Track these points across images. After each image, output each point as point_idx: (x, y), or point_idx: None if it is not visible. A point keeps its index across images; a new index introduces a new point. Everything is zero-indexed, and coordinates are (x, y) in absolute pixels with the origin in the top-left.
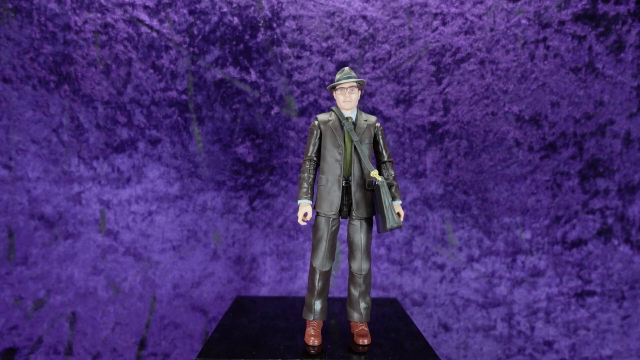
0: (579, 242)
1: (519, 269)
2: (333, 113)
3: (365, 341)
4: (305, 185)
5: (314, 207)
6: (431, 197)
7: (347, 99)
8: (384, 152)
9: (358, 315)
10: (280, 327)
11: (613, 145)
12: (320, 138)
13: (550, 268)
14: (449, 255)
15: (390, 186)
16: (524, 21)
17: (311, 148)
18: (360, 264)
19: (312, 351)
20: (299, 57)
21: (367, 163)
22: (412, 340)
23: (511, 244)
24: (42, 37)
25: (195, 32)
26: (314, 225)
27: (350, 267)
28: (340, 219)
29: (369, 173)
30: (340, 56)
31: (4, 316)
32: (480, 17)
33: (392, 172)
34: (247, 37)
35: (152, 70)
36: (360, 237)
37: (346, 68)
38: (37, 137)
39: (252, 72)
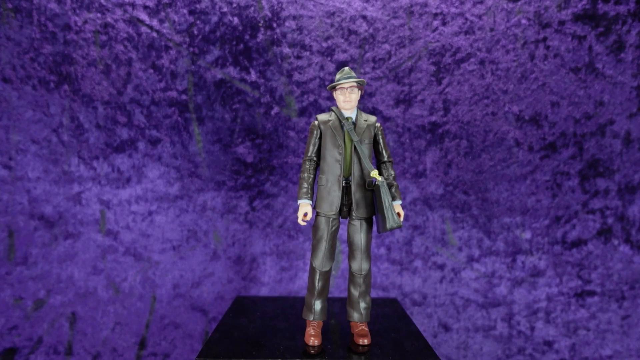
0: (579, 242)
1: (519, 269)
2: (333, 113)
3: (365, 341)
4: (305, 185)
5: (314, 207)
6: (431, 197)
7: (347, 99)
8: (384, 152)
9: (358, 315)
10: (280, 327)
11: (613, 145)
12: (320, 138)
13: (550, 268)
14: (449, 255)
15: (390, 186)
16: (524, 21)
17: (311, 148)
18: (360, 264)
19: (312, 351)
20: (299, 57)
21: (367, 163)
22: (412, 340)
23: (511, 244)
24: (42, 37)
25: (195, 32)
26: (314, 225)
27: (350, 267)
28: (340, 219)
29: (369, 173)
30: (340, 56)
31: (4, 316)
32: (480, 17)
33: (392, 172)
34: (247, 37)
35: (152, 70)
36: (360, 237)
37: (346, 68)
38: (37, 137)
39: (252, 72)
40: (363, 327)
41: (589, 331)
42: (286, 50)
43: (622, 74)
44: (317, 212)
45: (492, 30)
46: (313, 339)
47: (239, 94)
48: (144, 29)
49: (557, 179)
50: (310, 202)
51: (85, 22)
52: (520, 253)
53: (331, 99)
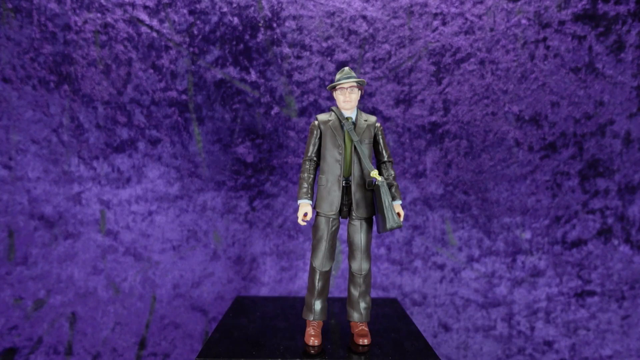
0: (579, 242)
1: (519, 269)
2: (333, 113)
3: (365, 341)
4: (305, 185)
5: (314, 207)
6: (431, 197)
7: (347, 99)
8: (384, 152)
9: (358, 315)
10: (280, 327)
11: (613, 145)
12: (320, 138)
13: (550, 268)
14: (449, 255)
15: (390, 186)
16: (524, 21)
17: (311, 148)
18: (360, 264)
19: (312, 351)
20: (299, 57)
21: (367, 163)
22: (412, 340)
23: (511, 244)
24: (42, 37)
25: (195, 32)
26: (314, 225)
27: (350, 267)
28: (340, 219)
29: (369, 173)
30: (340, 56)
31: (4, 316)
32: (480, 17)
33: (392, 172)
34: (247, 37)
35: (152, 70)
36: (360, 237)
37: (346, 68)
38: (37, 137)
39: (252, 72)
40: (363, 327)
41: (589, 331)
42: (286, 50)
43: (622, 74)
44: (317, 212)
45: (492, 30)
46: (313, 339)
47: (239, 94)
48: (144, 29)
49: (557, 179)
50: (310, 202)
51: (85, 22)
52: (520, 253)
53: (331, 99)
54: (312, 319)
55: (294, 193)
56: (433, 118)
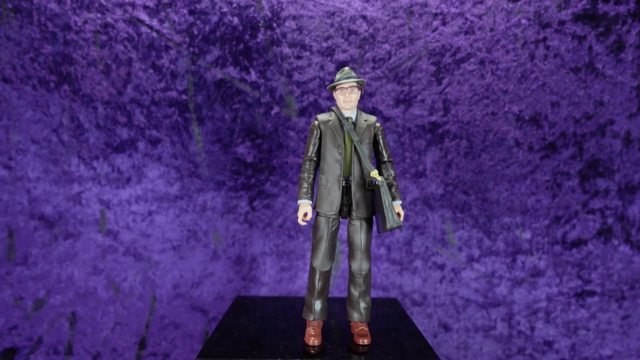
0: (579, 242)
1: (519, 269)
2: (333, 113)
3: (365, 341)
4: (305, 185)
5: (314, 207)
6: (431, 197)
7: (347, 99)
8: (384, 152)
9: (358, 315)
10: (280, 327)
11: (613, 145)
12: (320, 138)
13: (550, 268)
14: (449, 255)
15: (390, 186)
16: (524, 21)
17: (311, 148)
18: (360, 264)
19: (312, 351)
20: (299, 57)
21: (367, 163)
22: (412, 340)
23: (511, 244)
24: (42, 37)
25: (195, 32)
26: (314, 225)
27: (350, 267)
28: (340, 219)
29: (369, 173)
30: (340, 56)
31: (4, 316)
32: (480, 17)
33: (392, 172)
34: (247, 37)
35: (152, 70)
36: (360, 237)
37: (346, 68)
38: (37, 137)
39: (252, 72)
40: (363, 327)
41: (589, 331)
42: (286, 50)
43: (622, 74)
44: (317, 212)
45: (492, 30)
46: (313, 339)
47: (239, 94)
48: (144, 29)
49: (557, 179)
50: (310, 202)
51: (85, 22)
52: (520, 253)
53: (331, 99)
54: (312, 319)
55: (294, 193)
56: (433, 118)
